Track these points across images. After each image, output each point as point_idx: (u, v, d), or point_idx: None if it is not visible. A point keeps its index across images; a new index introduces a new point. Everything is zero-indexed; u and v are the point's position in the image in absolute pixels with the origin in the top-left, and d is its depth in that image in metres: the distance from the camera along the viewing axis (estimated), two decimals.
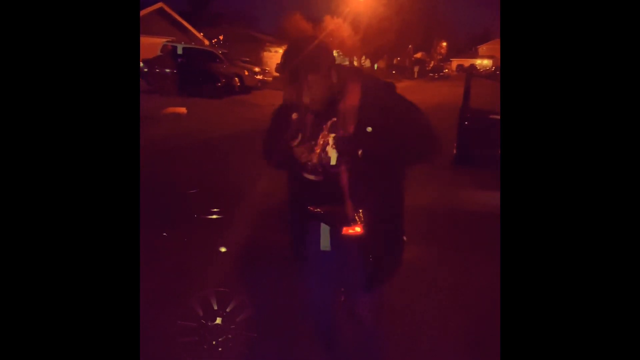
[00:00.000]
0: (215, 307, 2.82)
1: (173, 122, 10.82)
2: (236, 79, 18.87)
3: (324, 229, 1.94)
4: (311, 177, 1.83)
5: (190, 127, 10.53)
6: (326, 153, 1.81)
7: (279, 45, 38.73)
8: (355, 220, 1.83)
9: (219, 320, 2.80)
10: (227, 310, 2.82)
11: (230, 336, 2.80)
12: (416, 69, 47.53)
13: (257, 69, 21.99)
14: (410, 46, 51.79)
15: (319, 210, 1.85)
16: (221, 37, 32.62)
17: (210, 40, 26.46)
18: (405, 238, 2.01)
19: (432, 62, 60.59)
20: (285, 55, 1.81)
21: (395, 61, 49.89)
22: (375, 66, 43.97)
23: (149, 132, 9.45)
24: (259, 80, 20.97)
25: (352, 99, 1.80)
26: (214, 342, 2.77)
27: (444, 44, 73.26)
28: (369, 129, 1.75)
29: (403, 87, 31.88)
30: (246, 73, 19.93)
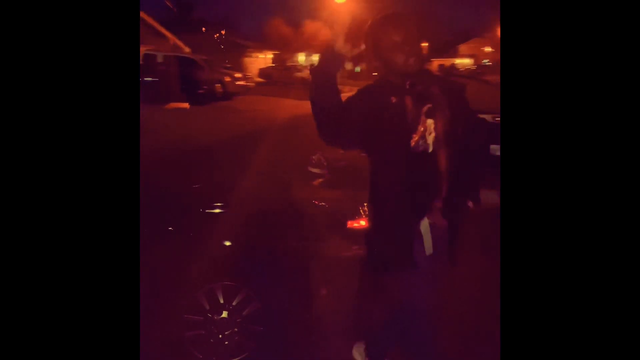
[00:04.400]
0: (222, 301, 2.78)
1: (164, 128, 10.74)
2: (218, 85, 18.77)
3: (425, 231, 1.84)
4: (316, 170, 1.79)
5: (175, 135, 10.43)
6: (425, 140, 1.78)
7: (260, 50, 38.63)
8: (360, 213, 1.80)
9: (225, 314, 2.77)
10: (234, 303, 2.78)
11: (236, 330, 2.78)
12: None
13: (238, 75, 21.89)
14: None
15: (323, 204, 1.83)
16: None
17: (190, 46, 26.35)
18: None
19: None
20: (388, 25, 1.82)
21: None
22: (358, 69, 43.98)
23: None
24: (241, 86, 20.87)
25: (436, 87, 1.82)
26: (220, 336, 2.76)
27: (425, 44, 73.63)
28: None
29: None
30: (228, 79, 19.82)
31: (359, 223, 1.82)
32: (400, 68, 1.80)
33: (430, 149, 1.76)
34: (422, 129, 1.75)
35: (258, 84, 27.67)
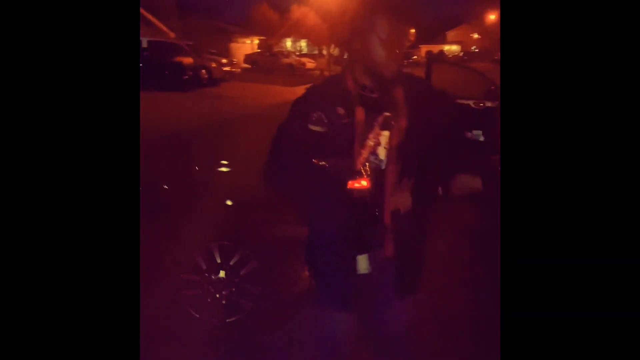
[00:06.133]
0: (219, 261, 2.78)
1: None
2: (203, 71, 18.58)
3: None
4: (317, 128, 1.70)
5: (160, 120, 10.31)
6: (377, 155, 1.66)
7: (246, 36, 38.29)
8: (362, 173, 1.71)
9: (222, 274, 2.77)
10: (231, 263, 2.78)
11: (234, 289, 2.78)
12: None
13: (224, 61, 21.75)
14: None
15: (323, 163, 1.70)
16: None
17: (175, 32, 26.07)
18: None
19: None
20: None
21: None
22: (346, 55, 43.71)
23: None
24: (227, 72, 20.71)
25: (401, 90, 1.71)
26: (217, 295, 2.77)
27: (412, 30, 73.39)
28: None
29: None
30: (213, 65, 19.64)
31: (360, 183, 1.69)
32: (377, 70, 1.71)
33: (384, 166, 1.66)
34: (372, 143, 1.65)
35: (244, 70, 27.47)
